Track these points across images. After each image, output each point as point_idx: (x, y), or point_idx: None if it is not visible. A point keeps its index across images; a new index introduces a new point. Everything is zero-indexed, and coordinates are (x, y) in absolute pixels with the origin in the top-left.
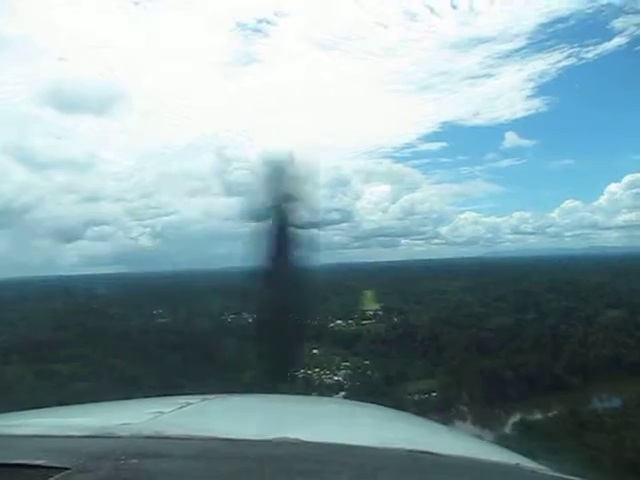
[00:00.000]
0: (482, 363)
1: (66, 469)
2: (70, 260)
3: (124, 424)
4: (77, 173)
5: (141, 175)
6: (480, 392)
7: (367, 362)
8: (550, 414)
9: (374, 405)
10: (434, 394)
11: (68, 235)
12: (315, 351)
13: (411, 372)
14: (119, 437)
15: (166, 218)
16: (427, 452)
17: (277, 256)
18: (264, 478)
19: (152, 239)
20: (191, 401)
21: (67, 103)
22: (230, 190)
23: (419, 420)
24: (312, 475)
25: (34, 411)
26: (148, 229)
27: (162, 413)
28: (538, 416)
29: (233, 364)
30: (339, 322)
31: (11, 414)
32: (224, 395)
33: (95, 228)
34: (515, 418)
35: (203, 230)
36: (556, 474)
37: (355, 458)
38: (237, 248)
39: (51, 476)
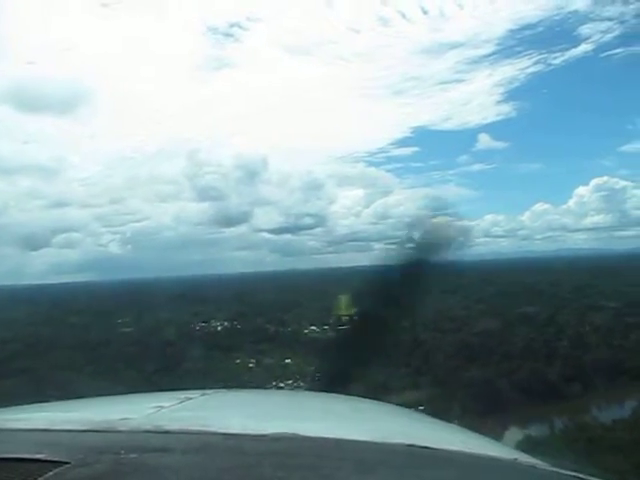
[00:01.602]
0: (471, 371)
1: (66, 463)
2: (37, 268)
3: (124, 418)
4: (44, 178)
5: (110, 180)
6: (472, 404)
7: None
8: (554, 428)
9: (372, 400)
10: (421, 407)
11: (34, 242)
12: (288, 361)
13: (394, 383)
14: (119, 431)
15: (136, 224)
16: (426, 447)
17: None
18: (263, 473)
19: (122, 246)
20: (191, 396)
21: (33, 107)
22: (201, 195)
23: (418, 415)
24: (311, 470)
25: (34, 405)
26: (118, 236)
27: (162, 407)
28: (541, 430)
29: (197, 376)
30: (313, 328)
31: (11, 408)
32: (224, 390)
33: (63, 235)
34: (515, 434)
35: (174, 237)
36: (554, 469)
37: (354, 453)
38: (207, 254)
39: (51, 470)
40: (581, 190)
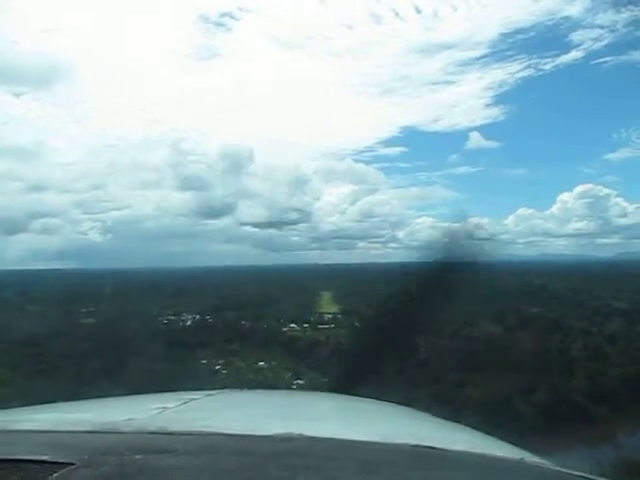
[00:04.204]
0: (478, 385)
1: (70, 464)
2: (12, 254)
3: (128, 420)
4: (22, 160)
5: (92, 166)
6: (483, 425)
7: (326, 380)
8: (601, 466)
9: (377, 400)
10: None
11: (10, 226)
12: (261, 364)
13: (386, 395)
14: (123, 433)
15: (118, 212)
16: (431, 447)
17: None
18: (268, 473)
19: (102, 234)
20: (195, 396)
21: (14, 88)
22: (185, 185)
23: (423, 415)
24: (316, 470)
25: (38, 406)
26: (98, 223)
27: (166, 408)
28: (582, 468)
29: (148, 380)
30: (293, 326)
31: (15, 409)
32: (227, 390)
33: (41, 220)
34: None
35: (156, 226)
36: (560, 469)
37: (359, 453)
38: (188, 246)
39: (56, 471)
40: (565, 196)
